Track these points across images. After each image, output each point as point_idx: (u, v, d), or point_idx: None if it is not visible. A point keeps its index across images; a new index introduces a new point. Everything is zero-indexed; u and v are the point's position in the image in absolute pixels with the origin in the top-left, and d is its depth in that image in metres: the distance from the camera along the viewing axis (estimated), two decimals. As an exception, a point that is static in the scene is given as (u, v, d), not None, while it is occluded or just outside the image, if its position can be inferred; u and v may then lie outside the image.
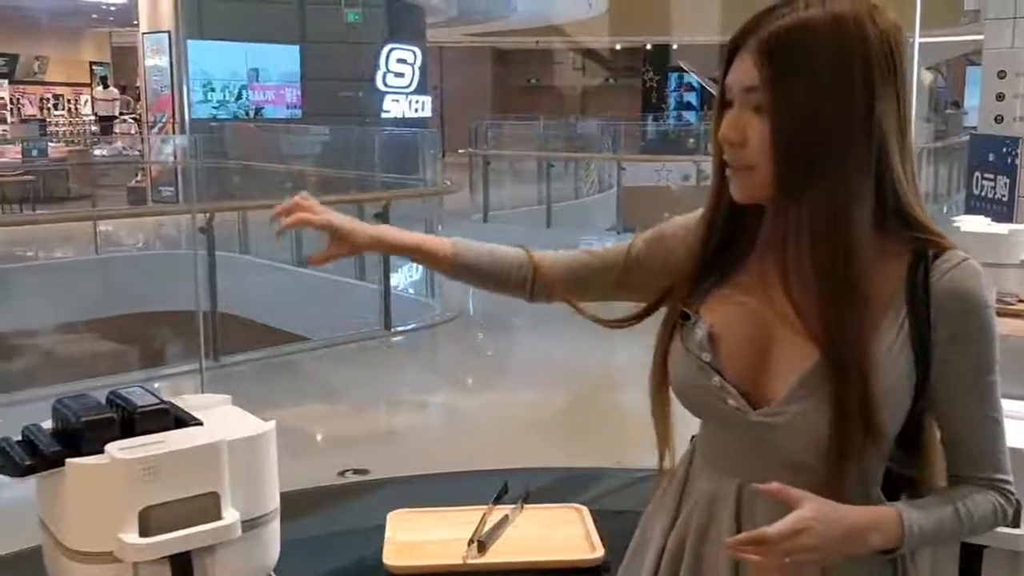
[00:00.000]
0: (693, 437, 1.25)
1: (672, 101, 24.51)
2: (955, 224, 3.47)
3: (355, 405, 5.86)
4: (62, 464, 1.34)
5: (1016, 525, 1.32)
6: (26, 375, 6.07)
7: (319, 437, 5.23)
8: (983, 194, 5.64)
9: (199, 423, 1.44)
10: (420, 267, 8.87)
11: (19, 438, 1.39)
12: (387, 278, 7.17)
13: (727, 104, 1.12)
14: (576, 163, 15.02)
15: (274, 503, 1.49)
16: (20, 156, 13.97)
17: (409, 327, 7.32)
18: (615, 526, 1.72)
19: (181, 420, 1.45)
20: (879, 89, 1.06)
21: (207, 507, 1.38)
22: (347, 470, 4.40)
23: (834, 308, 1.05)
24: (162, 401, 1.46)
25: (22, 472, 1.30)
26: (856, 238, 1.06)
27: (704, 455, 1.20)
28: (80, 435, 1.36)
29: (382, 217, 7.06)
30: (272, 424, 1.50)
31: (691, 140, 19.81)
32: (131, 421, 1.39)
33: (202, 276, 6.55)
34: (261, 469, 1.49)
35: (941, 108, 20.83)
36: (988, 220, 3.56)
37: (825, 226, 1.06)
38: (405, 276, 8.89)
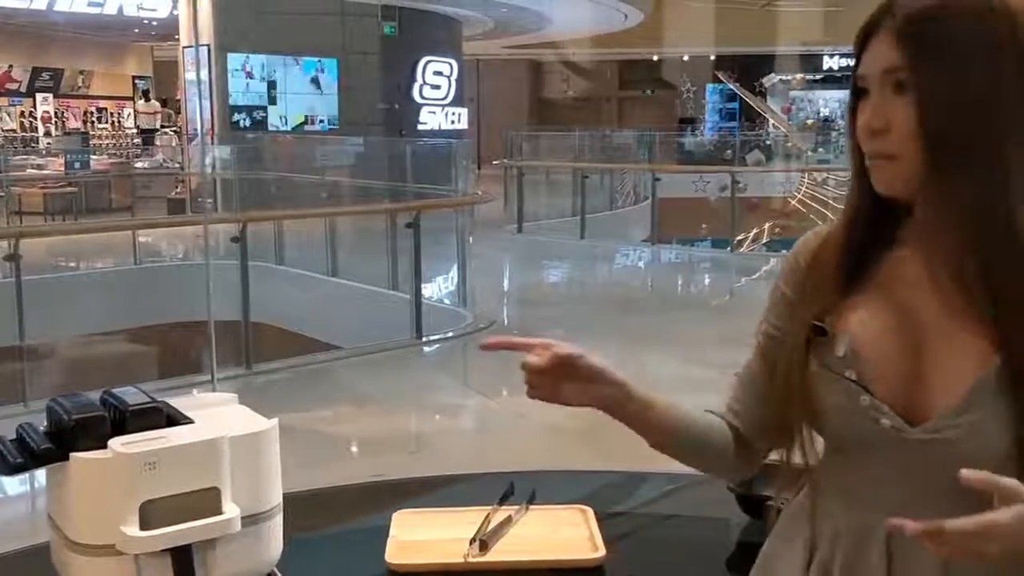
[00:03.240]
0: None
1: (711, 112, 24.40)
2: None
3: (385, 413, 5.90)
4: (52, 462, 1.36)
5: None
6: (54, 383, 6.18)
7: (350, 445, 5.27)
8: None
9: (190, 422, 1.46)
10: (452, 277, 8.95)
11: (13, 436, 1.42)
12: (418, 288, 7.21)
13: (861, 95, 1.05)
14: (611, 174, 15.01)
15: (276, 499, 1.51)
16: (63, 168, 14.25)
17: (441, 336, 7.35)
18: (621, 528, 1.72)
19: (173, 419, 1.47)
20: None
21: (208, 502, 1.39)
22: (377, 476, 4.43)
23: (1008, 304, 0.96)
24: (154, 400, 1.48)
25: (12, 470, 1.33)
26: (1020, 226, 0.97)
27: (839, 486, 1.08)
28: (72, 433, 1.38)
29: (413, 226, 7.11)
30: (275, 422, 1.52)
31: (728, 151, 19.73)
32: (123, 420, 1.41)
33: (231, 286, 6.63)
34: (263, 466, 1.50)
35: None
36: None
37: (985, 216, 0.97)
38: (438, 286, 8.95)
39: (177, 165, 15.48)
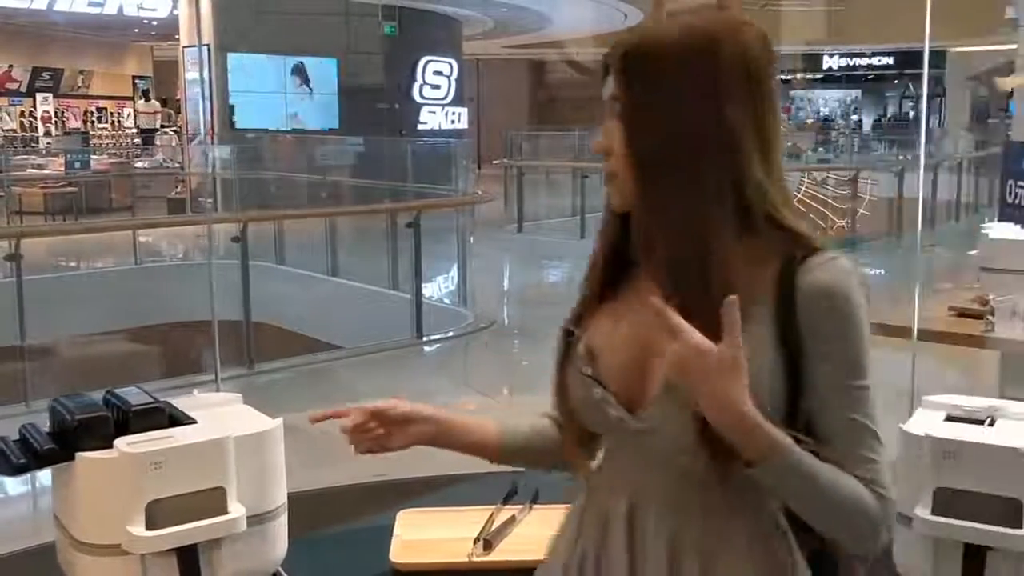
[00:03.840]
0: None
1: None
2: (984, 231, 3.43)
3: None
4: (57, 462, 1.37)
5: (1019, 526, 1.31)
6: (56, 383, 6.17)
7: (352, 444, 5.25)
8: (1017, 202, 5.54)
9: (192, 422, 1.47)
10: (453, 277, 8.97)
11: (17, 437, 1.43)
12: (419, 287, 7.22)
13: None
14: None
15: (281, 499, 1.52)
16: (63, 168, 14.25)
17: (441, 336, 7.36)
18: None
19: (176, 419, 1.48)
20: (730, 98, 1.08)
21: (213, 502, 1.40)
22: (380, 476, 4.43)
23: (688, 307, 1.03)
24: (157, 401, 1.49)
25: (15, 470, 1.34)
26: (711, 239, 1.07)
27: (604, 472, 1.19)
28: (76, 434, 1.39)
29: (414, 226, 7.12)
30: (279, 421, 1.53)
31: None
32: (126, 420, 1.42)
33: (232, 286, 6.63)
34: (268, 466, 1.51)
35: (984, 118, 20.55)
36: (1019, 227, 3.51)
37: (680, 228, 1.07)
38: (438, 286, 8.95)
39: (177, 165, 15.48)
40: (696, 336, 0.99)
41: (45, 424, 1.44)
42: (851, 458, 1.06)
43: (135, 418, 1.41)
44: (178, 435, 1.41)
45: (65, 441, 1.37)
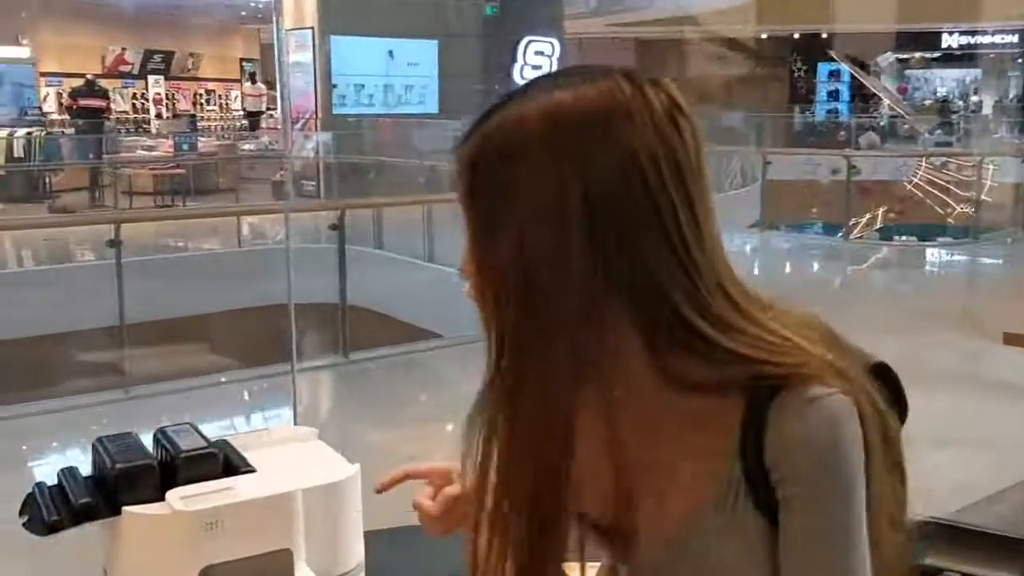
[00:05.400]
0: None
1: (822, 92, 23.58)
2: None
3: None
4: (93, 519, 1.19)
5: None
6: (152, 369, 6.19)
7: (443, 440, 5.10)
8: None
9: (251, 470, 1.27)
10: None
11: (55, 482, 1.25)
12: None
13: None
14: (717, 156, 14.57)
15: (356, 559, 1.31)
16: (172, 150, 14.53)
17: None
18: None
19: (232, 467, 1.28)
20: (613, 211, 0.80)
21: (279, 566, 1.21)
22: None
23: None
24: (210, 444, 1.29)
25: (48, 529, 1.16)
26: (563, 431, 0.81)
27: None
28: (116, 484, 1.20)
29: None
30: (356, 468, 1.32)
31: (841, 133, 19.02)
32: (173, 468, 1.23)
33: (330, 270, 6.55)
34: (342, 521, 1.31)
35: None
36: None
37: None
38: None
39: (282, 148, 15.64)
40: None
41: (84, 464, 1.27)
42: None
43: (184, 465, 1.22)
44: (238, 488, 1.21)
45: (107, 491, 1.19)
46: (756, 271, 10.33)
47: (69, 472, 1.25)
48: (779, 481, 0.81)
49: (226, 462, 1.25)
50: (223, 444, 1.29)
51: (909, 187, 15.70)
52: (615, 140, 0.80)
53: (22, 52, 17.98)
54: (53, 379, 6.09)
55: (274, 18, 14.78)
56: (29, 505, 1.20)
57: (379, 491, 1.17)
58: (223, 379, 6.04)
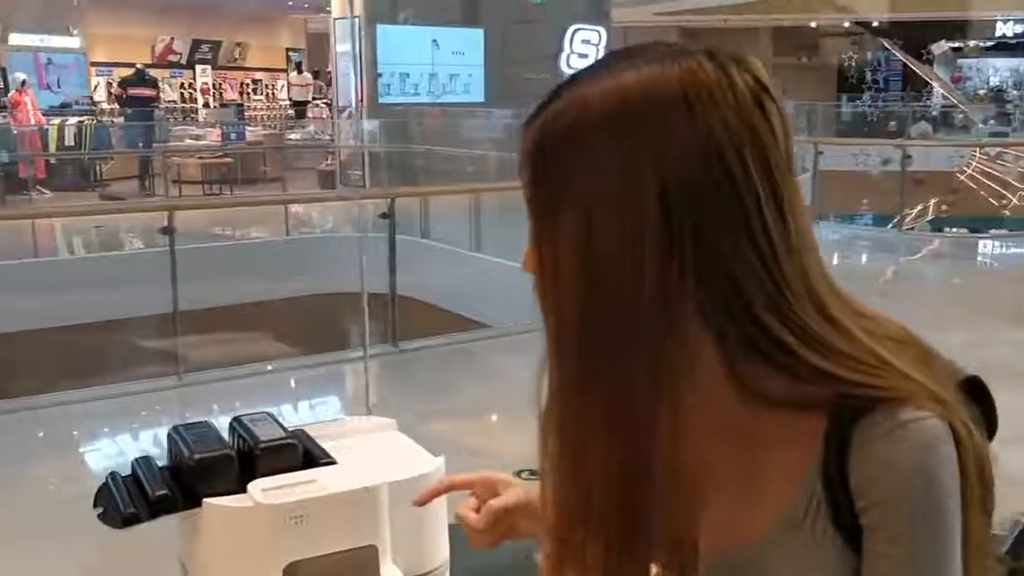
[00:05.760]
0: None
1: (873, 81, 23.17)
2: None
3: (531, 398, 5.66)
4: (171, 511, 1.14)
5: None
6: (207, 356, 6.20)
7: (495, 431, 5.06)
8: None
9: (332, 462, 1.22)
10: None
11: (128, 472, 1.21)
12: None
13: None
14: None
15: (442, 556, 1.26)
16: (220, 139, 14.62)
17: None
18: None
19: (311, 458, 1.22)
20: (694, 201, 0.71)
21: (363, 563, 1.16)
22: (524, 470, 4.21)
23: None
24: (289, 434, 1.24)
25: (124, 522, 1.11)
26: (650, 447, 0.74)
27: None
28: (194, 475, 1.15)
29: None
30: (441, 460, 1.26)
31: (892, 123, 18.70)
32: (252, 458, 1.18)
33: (378, 260, 6.53)
34: (428, 516, 1.25)
35: None
36: None
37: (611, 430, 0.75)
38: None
39: (328, 137, 15.68)
40: None
41: (158, 455, 1.23)
42: None
43: (264, 456, 1.17)
44: (323, 480, 1.16)
45: (183, 483, 1.14)
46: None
47: (144, 462, 1.21)
48: (865, 507, 0.73)
49: (305, 453, 1.21)
50: (301, 434, 1.24)
51: (962, 178, 15.38)
52: (696, 125, 0.72)
53: (73, 42, 18.21)
54: (107, 366, 6.14)
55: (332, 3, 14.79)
56: (103, 496, 1.16)
57: (420, 504, 1.12)
58: (274, 367, 6.04)
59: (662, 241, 0.72)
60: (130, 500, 1.13)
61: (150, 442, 5.04)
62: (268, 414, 1.29)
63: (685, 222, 0.72)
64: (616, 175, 0.72)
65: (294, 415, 5.21)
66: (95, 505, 1.16)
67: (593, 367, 0.75)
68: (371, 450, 1.29)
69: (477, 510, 1.08)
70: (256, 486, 1.13)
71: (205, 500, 1.13)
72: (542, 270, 0.77)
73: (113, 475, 1.18)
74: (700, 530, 0.80)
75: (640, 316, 0.73)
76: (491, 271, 8.25)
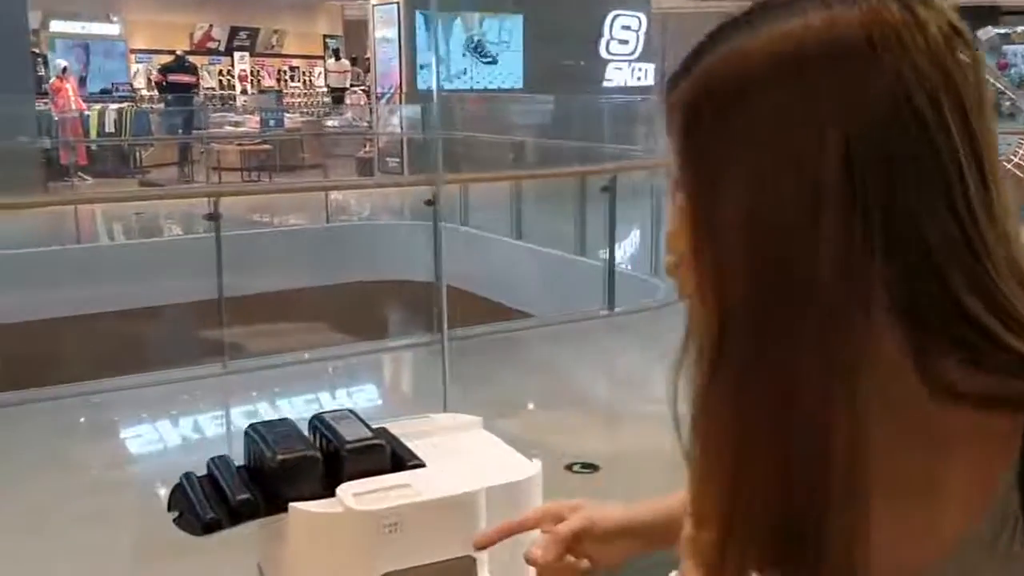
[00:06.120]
0: None
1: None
2: None
3: (578, 389, 5.58)
4: (255, 516, 1.07)
5: None
6: (253, 345, 6.17)
7: (543, 423, 4.97)
8: None
9: (420, 464, 1.13)
10: (644, 244, 8.54)
11: (204, 471, 1.13)
12: (612, 255, 6.85)
13: None
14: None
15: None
16: (258, 126, 14.63)
17: (634, 308, 6.97)
18: None
19: (399, 460, 1.14)
20: (886, 163, 0.61)
21: (460, 575, 1.08)
22: (575, 463, 4.13)
23: None
24: (374, 433, 1.16)
25: (205, 529, 1.04)
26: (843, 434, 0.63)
27: None
28: (275, 477, 1.08)
29: (609, 190, 6.74)
30: (538, 465, 1.18)
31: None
32: (338, 460, 1.10)
33: (421, 247, 6.46)
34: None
35: None
36: None
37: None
38: (628, 253, 8.55)
39: (366, 124, 15.64)
40: None
41: (233, 454, 1.15)
42: None
43: (351, 457, 1.09)
44: (416, 485, 1.08)
45: (264, 486, 1.07)
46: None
47: (220, 461, 1.13)
48: None
49: (393, 455, 1.13)
50: (385, 433, 1.16)
51: (1009, 166, 15.03)
52: (883, 73, 0.62)
53: (113, 29, 18.31)
54: (151, 352, 6.13)
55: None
56: (179, 498, 1.09)
57: (480, 547, 1.02)
58: (316, 355, 6.00)
59: (845, 206, 0.61)
60: (208, 504, 1.05)
61: (197, 430, 5.02)
62: (350, 411, 1.21)
63: (871, 182, 0.61)
64: (790, 130, 0.63)
65: (351, 406, 5.17)
66: (170, 508, 1.09)
67: (757, 358, 0.65)
68: (460, 451, 1.20)
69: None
70: (346, 490, 1.05)
71: (291, 504, 1.05)
72: (697, 247, 0.68)
73: (188, 476, 1.11)
74: (869, 550, 0.71)
75: (816, 297, 0.62)
76: (532, 259, 8.17)
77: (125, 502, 3.95)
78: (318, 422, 1.16)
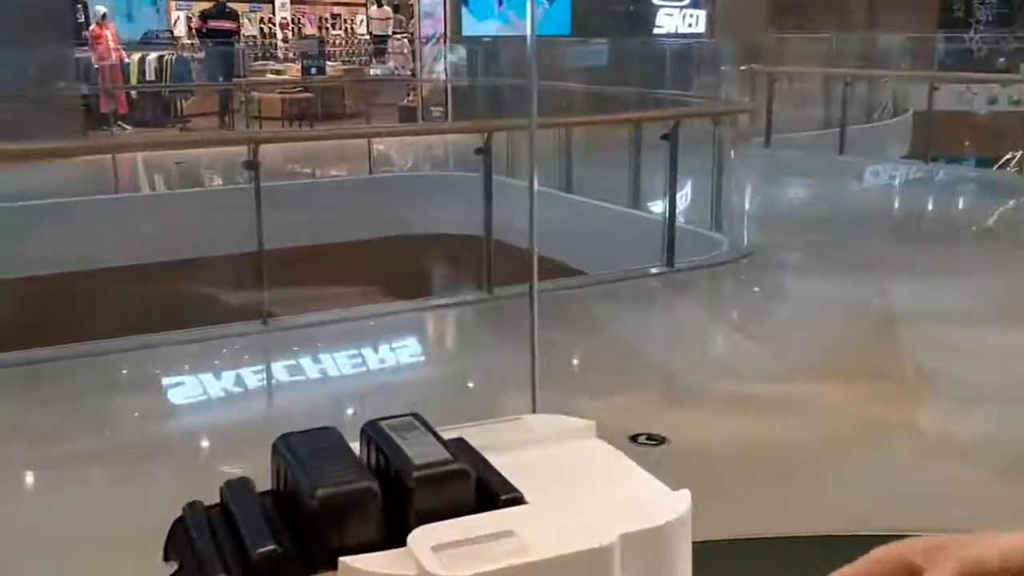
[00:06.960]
0: None
1: (982, 13, 21.84)
2: None
3: (638, 354, 5.25)
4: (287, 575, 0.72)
5: None
6: (294, 302, 5.91)
7: (603, 392, 4.62)
8: None
9: (518, 498, 0.79)
10: (704, 197, 8.12)
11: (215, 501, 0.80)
12: (673, 209, 6.46)
13: None
14: (868, 83, 13.58)
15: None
16: (300, 74, 14.33)
17: (694, 264, 6.59)
18: None
19: (488, 491, 0.80)
20: None
21: (585, 661, 0.74)
22: (640, 435, 3.82)
23: None
24: (453, 451, 0.82)
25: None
26: None
27: None
28: (315, 518, 0.74)
29: (670, 139, 6.34)
30: (687, 496, 0.83)
31: (1001, 59, 17.62)
32: (404, 493, 0.76)
33: (468, 199, 6.13)
34: (671, 581, 0.82)
35: None
36: None
37: None
38: (687, 206, 8.17)
39: (409, 72, 15.26)
40: None
41: (251, 473, 0.81)
42: None
43: (422, 489, 0.75)
44: (521, 531, 0.74)
45: (298, 528, 0.73)
46: (928, 206, 9.52)
47: (238, 489, 0.79)
48: None
49: (478, 483, 0.78)
50: (466, 450, 0.82)
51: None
52: None
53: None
54: (189, 307, 5.89)
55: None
56: (177, 544, 0.76)
57: None
58: (358, 313, 5.71)
59: None
60: (217, 556, 0.72)
61: (236, 385, 4.78)
62: (414, 416, 0.86)
63: None
64: None
65: (397, 369, 4.88)
66: (166, 557, 0.76)
67: None
68: (571, 475, 0.86)
69: None
70: (421, 542, 0.71)
71: (341, 560, 0.72)
72: None
73: (193, 508, 0.78)
74: None
75: None
76: (585, 214, 7.81)
77: (163, 460, 3.78)
78: (373, 432, 0.81)
